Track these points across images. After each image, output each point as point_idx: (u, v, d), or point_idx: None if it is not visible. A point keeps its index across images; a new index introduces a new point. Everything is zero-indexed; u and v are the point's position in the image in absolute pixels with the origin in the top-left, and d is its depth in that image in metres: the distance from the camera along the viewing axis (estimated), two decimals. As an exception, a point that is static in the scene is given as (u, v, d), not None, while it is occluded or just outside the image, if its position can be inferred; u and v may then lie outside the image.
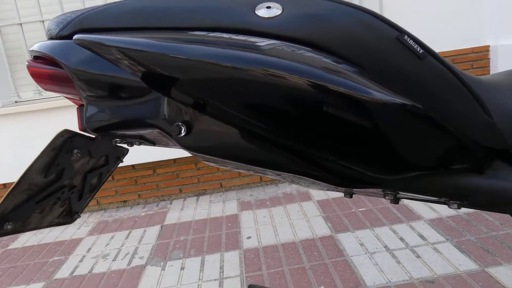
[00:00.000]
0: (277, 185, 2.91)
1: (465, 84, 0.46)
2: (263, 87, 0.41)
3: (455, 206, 0.51)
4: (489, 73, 3.01)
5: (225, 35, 0.43)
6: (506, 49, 2.86)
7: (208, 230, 2.33)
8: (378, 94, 0.40)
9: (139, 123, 0.52)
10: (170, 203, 2.86)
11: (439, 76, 0.45)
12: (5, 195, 0.52)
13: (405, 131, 0.43)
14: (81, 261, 2.15)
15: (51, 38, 0.55)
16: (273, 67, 0.40)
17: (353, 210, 2.31)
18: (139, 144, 0.62)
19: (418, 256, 1.74)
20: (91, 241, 2.39)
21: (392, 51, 0.44)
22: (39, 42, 0.56)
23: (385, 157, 0.44)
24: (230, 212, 2.55)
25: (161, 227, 2.47)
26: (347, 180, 0.47)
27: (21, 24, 2.43)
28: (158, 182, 2.89)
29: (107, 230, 2.55)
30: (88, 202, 0.69)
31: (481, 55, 2.95)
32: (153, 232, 2.41)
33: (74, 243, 2.40)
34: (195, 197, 2.91)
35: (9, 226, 0.53)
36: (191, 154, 0.52)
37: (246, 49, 0.41)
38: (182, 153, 2.76)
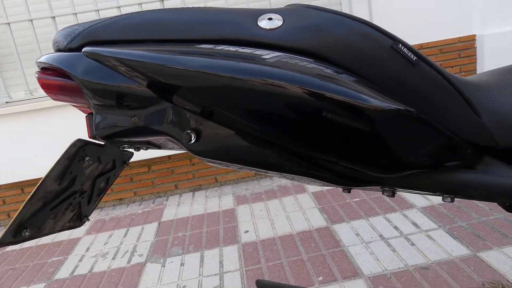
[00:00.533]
0: (271, 179, 2.95)
1: (456, 87, 0.49)
2: (270, 97, 0.43)
3: (449, 199, 0.55)
4: (475, 62, 3.06)
5: (231, 48, 0.46)
6: (492, 38, 2.91)
7: (205, 225, 2.35)
8: (377, 101, 0.43)
9: (149, 131, 0.54)
10: (166, 200, 2.88)
11: (431, 81, 0.48)
12: (23, 204, 0.54)
13: (402, 134, 0.46)
14: (80, 261, 2.16)
15: (58, 50, 0.56)
16: (280, 78, 0.42)
17: (348, 201, 2.36)
18: (146, 149, 0.65)
19: (413, 244, 1.79)
20: (89, 240, 2.40)
21: (388, 59, 0.46)
22: (47, 54, 0.57)
23: (384, 158, 0.47)
24: (227, 206, 2.58)
25: (159, 224, 2.49)
26: (349, 180, 0.50)
27: (9, 23, 2.41)
28: (154, 179, 2.90)
29: (105, 228, 2.56)
30: (96, 205, 0.71)
31: (468, 44, 3.00)
32: (151, 229, 2.43)
33: (72, 243, 2.41)
34: (191, 193, 2.93)
35: (27, 233, 0.55)
36: (199, 158, 0.54)
37: (253, 62, 0.44)
38: (173, 150, 2.78)
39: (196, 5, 2.81)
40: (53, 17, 2.40)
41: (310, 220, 2.20)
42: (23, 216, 0.54)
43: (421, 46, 2.93)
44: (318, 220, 2.17)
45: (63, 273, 2.06)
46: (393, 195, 0.55)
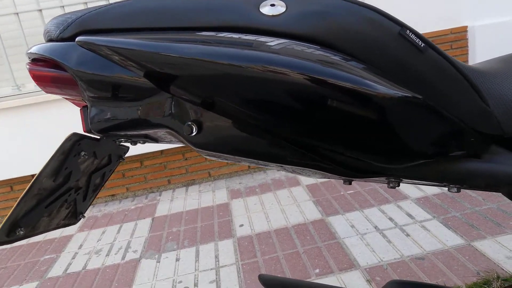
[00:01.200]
0: (265, 172, 2.94)
1: (464, 74, 0.48)
2: (277, 85, 0.41)
3: (455, 189, 0.54)
4: (467, 53, 3.08)
5: (234, 35, 0.44)
6: (483, 29, 2.93)
7: (200, 220, 2.34)
8: (387, 89, 0.42)
9: (148, 123, 0.52)
10: (159, 195, 2.85)
11: (439, 68, 0.47)
12: (17, 202, 0.52)
13: (410, 122, 0.45)
14: (73, 258, 2.13)
15: (50, 40, 0.54)
16: (285, 66, 0.41)
17: (342, 193, 2.36)
18: (143, 143, 0.62)
19: (408, 235, 1.80)
20: (82, 237, 2.37)
21: (395, 45, 0.45)
22: (38, 45, 0.55)
23: (391, 148, 0.46)
24: (221, 201, 2.56)
25: (152, 219, 2.46)
26: (355, 171, 0.48)
27: (-6, 18, 2.35)
28: (146, 174, 2.87)
29: (98, 225, 2.53)
30: (92, 202, 0.69)
31: (460, 35, 3.01)
32: (144, 225, 2.41)
33: (64, 241, 2.37)
34: (184, 188, 2.91)
35: (21, 232, 0.53)
36: (199, 151, 0.52)
37: (258, 49, 0.42)
38: (169, 144, 2.75)
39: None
40: (40, 10, 2.34)
41: (305, 212, 2.19)
42: (17, 215, 0.52)
43: (413, 37, 2.93)
44: (313, 213, 2.17)
45: (56, 271, 2.03)
46: (398, 185, 0.54)
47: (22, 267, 2.13)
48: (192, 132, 0.47)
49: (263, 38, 0.43)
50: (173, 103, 0.50)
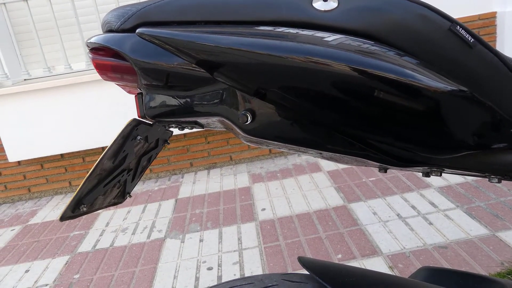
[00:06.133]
0: (286, 157, 2.96)
1: (511, 69, 0.49)
2: (334, 78, 0.43)
3: (496, 180, 0.55)
4: (495, 40, 3.00)
5: (292, 30, 0.46)
6: (514, 15, 2.84)
7: (222, 203, 2.39)
8: (437, 83, 0.43)
9: (203, 111, 0.55)
10: (182, 177, 2.92)
11: (488, 63, 0.48)
12: (83, 181, 0.56)
13: (457, 114, 0.46)
14: (101, 235, 2.22)
15: (110, 31, 0.57)
16: (344, 60, 0.42)
17: (364, 180, 2.37)
18: (191, 128, 0.66)
19: (430, 223, 1.81)
20: (108, 216, 2.46)
21: (446, 41, 0.46)
22: (97, 35, 0.58)
23: (438, 139, 0.48)
24: (242, 184, 2.61)
25: (176, 200, 2.53)
26: (401, 161, 0.50)
27: (26, 0, 2.40)
28: (169, 157, 2.93)
29: (123, 204, 2.61)
30: (137, 183, 0.73)
31: (488, 21, 2.93)
32: (168, 205, 2.48)
33: (91, 218, 2.47)
34: (206, 171, 2.97)
35: (84, 209, 0.57)
36: (247, 138, 0.55)
37: (316, 44, 0.44)
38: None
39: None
40: (70, -7, 2.38)
41: (326, 198, 2.22)
42: (82, 192, 0.56)
43: (441, 23, 2.87)
44: (334, 199, 2.20)
45: (86, 246, 2.13)
46: (440, 175, 0.56)
47: (53, 242, 2.23)
48: (247, 121, 0.50)
49: (320, 34, 0.45)
50: (228, 93, 0.53)
